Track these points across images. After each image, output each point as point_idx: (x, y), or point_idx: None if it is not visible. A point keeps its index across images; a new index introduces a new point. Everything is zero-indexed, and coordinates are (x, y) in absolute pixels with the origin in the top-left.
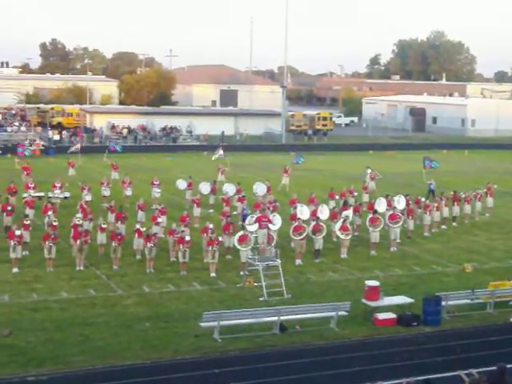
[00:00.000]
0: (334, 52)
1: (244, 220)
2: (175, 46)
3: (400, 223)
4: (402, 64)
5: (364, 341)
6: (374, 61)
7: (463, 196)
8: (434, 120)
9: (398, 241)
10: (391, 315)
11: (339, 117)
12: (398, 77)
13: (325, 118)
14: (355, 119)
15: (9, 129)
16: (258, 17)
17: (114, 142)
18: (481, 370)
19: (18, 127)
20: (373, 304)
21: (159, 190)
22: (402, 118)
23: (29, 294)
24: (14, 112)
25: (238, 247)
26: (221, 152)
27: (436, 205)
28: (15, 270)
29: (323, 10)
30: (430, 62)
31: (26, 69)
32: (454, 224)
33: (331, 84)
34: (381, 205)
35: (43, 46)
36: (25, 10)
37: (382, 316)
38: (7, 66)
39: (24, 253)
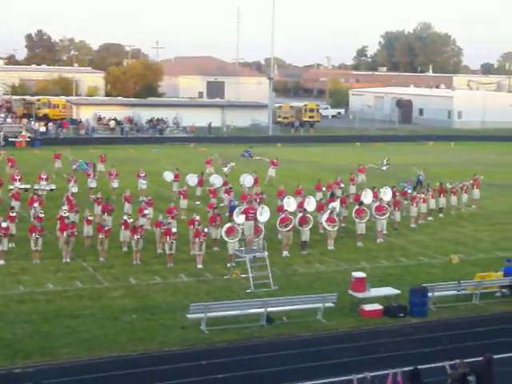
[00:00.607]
0: (320, 44)
1: (231, 212)
2: (162, 37)
3: (386, 215)
4: (389, 56)
5: (351, 332)
6: (361, 52)
7: (450, 187)
8: (421, 112)
9: (385, 232)
10: (378, 306)
11: (326, 108)
12: (384, 68)
13: (312, 110)
14: (342, 111)
15: None
16: (245, 8)
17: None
18: (467, 360)
19: (3, 119)
20: (359, 295)
21: (145, 182)
22: (389, 110)
23: (15, 286)
24: None
25: (226, 239)
26: (232, 164)
27: (423, 196)
28: (1, 262)
29: (310, 2)
30: (417, 53)
31: (11, 60)
32: (441, 215)
33: (318, 76)
34: (367, 196)
35: (29, 37)
36: (10, 0)
37: (368, 307)
38: None
39: (10, 245)
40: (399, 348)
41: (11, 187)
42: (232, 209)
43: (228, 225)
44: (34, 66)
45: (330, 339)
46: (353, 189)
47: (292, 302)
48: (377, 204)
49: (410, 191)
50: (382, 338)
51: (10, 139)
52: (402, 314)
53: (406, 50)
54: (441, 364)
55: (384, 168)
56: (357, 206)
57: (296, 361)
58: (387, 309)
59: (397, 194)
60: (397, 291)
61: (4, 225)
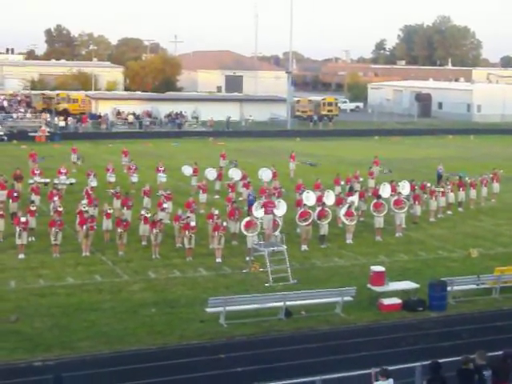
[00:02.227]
0: (339, 37)
1: (250, 206)
2: (180, 31)
3: (405, 209)
4: (408, 49)
5: (369, 326)
6: (380, 46)
7: (469, 181)
8: (440, 105)
9: (404, 226)
10: (397, 300)
11: (345, 102)
12: (403, 62)
13: (330, 104)
14: (361, 105)
15: (14, 115)
16: (264, 2)
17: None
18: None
19: (23, 114)
20: (378, 289)
21: (164, 176)
22: (408, 104)
23: (35, 279)
24: (19, 98)
25: (245, 233)
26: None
27: (442, 190)
28: (21, 256)
29: None
30: (436, 47)
31: (31, 55)
32: (460, 209)
33: (337, 69)
34: (385, 190)
35: (48, 32)
36: None
37: (387, 301)
38: (12, 53)
39: (30, 239)
40: (418, 342)
41: (31, 181)
42: (251, 203)
43: (247, 219)
44: (53, 60)
45: (349, 333)
46: (371, 183)
47: (311, 296)
48: (395, 198)
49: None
50: (400, 332)
51: (29, 134)
52: (420, 308)
53: (425, 44)
54: (460, 358)
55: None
56: (375, 200)
57: (315, 354)
58: (406, 303)
59: (416, 187)
60: (416, 285)
61: (24, 219)
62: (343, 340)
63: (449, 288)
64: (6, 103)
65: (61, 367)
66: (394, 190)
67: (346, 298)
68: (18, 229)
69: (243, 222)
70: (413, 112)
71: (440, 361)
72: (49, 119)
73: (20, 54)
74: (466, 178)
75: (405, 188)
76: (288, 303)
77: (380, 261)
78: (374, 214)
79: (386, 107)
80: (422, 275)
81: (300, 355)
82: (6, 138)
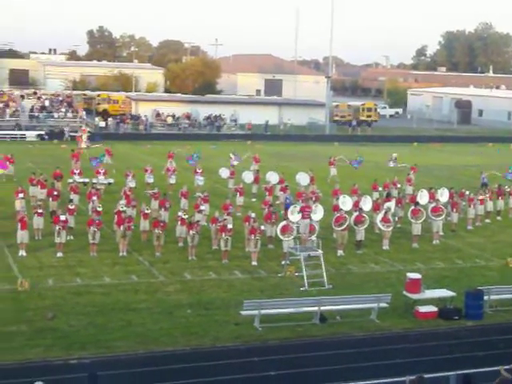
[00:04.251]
0: (379, 43)
1: (287, 210)
2: (221, 34)
3: (442, 216)
4: (449, 56)
5: (404, 333)
6: (421, 52)
7: (508, 190)
8: (480, 113)
9: (441, 234)
10: (432, 308)
11: (384, 108)
12: (444, 68)
13: (369, 109)
14: (400, 110)
15: (55, 115)
16: (304, 6)
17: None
18: None
19: (64, 113)
20: (414, 296)
21: (202, 178)
22: (448, 111)
23: (72, 278)
24: (60, 98)
25: (281, 237)
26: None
27: (481, 198)
28: (59, 254)
29: (370, 0)
30: (477, 53)
31: (73, 56)
32: (498, 218)
33: (376, 75)
34: (423, 197)
35: (90, 33)
36: None
37: (423, 309)
38: (55, 53)
39: (68, 237)
40: (453, 351)
41: (70, 180)
42: (288, 207)
43: (283, 223)
44: (94, 61)
45: (384, 340)
46: (409, 189)
47: (346, 302)
48: (433, 205)
49: None
50: (436, 340)
51: (70, 134)
52: (456, 317)
53: (466, 50)
54: (496, 368)
55: (391, 164)
56: (413, 207)
57: (349, 360)
58: (442, 311)
59: (454, 195)
60: (452, 293)
61: (63, 217)
62: (377, 346)
63: (485, 297)
64: (47, 103)
65: (96, 365)
66: (432, 197)
67: (381, 305)
68: (57, 227)
69: (279, 226)
70: (452, 119)
71: (475, 371)
72: (84, 117)
73: (62, 54)
74: (506, 187)
75: (443, 195)
76: (323, 308)
77: (416, 268)
78: (412, 220)
79: (425, 114)
80: (458, 283)
81: (334, 361)
82: (47, 137)
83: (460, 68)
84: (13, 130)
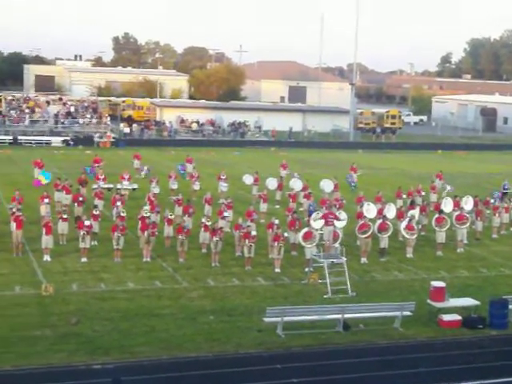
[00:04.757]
0: (404, 50)
1: (310, 216)
2: (245, 41)
3: (467, 224)
4: (474, 63)
5: (428, 342)
6: (446, 59)
7: None
8: (506, 120)
9: (465, 242)
10: (456, 317)
11: (408, 115)
12: (469, 76)
13: (394, 116)
14: (424, 118)
15: (81, 121)
16: (329, 13)
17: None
18: None
19: (89, 119)
20: (438, 305)
21: (226, 185)
22: (473, 118)
23: (96, 283)
24: (86, 104)
25: (303, 244)
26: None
27: (505, 206)
28: (84, 259)
29: (394, 8)
30: (503, 61)
31: (98, 62)
32: None
33: (401, 82)
34: (447, 205)
35: (116, 39)
36: (98, 3)
37: (447, 317)
38: (80, 60)
39: (93, 243)
40: (477, 360)
41: (94, 186)
42: (311, 213)
43: (305, 230)
44: (119, 68)
45: (407, 348)
46: (433, 197)
47: (370, 309)
48: (457, 213)
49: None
50: (460, 349)
51: (95, 139)
52: (481, 326)
53: (491, 58)
54: None
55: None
56: (437, 215)
57: (372, 369)
58: (466, 320)
59: (479, 203)
60: (476, 302)
61: (87, 223)
62: (401, 355)
63: (510, 306)
64: (73, 109)
65: (119, 371)
66: (456, 205)
67: (405, 313)
68: (81, 232)
69: (301, 233)
70: (477, 127)
71: (499, 380)
72: (108, 123)
73: (88, 60)
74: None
75: (468, 203)
76: (346, 316)
77: (440, 276)
78: (436, 228)
79: (450, 121)
80: (483, 292)
81: (357, 369)
82: (72, 143)
83: (485, 75)
84: (42, 135)
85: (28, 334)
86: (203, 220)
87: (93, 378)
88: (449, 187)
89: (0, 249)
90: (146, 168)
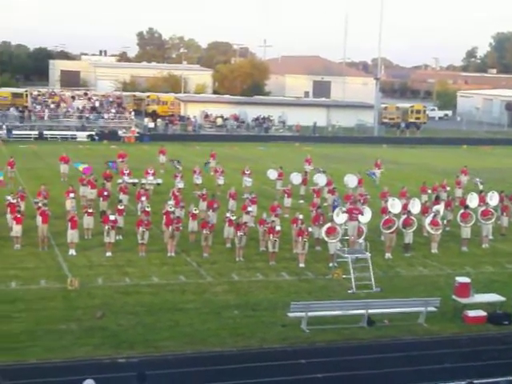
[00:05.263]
0: (429, 44)
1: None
2: (269, 36)
3: (492, 220)
4: (500, 57)
5: (453, 338)
6: (471, 54)
7: None
8: None
9: (491, 237)
10: (482, 313)
11: (433, 110)
12: (494, 70)
13: (418, 111)
14: (449, 113)
15: (105, 116)
16: (353, 8)
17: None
18: None
19: (114, 114)
20: (463, 301)
21: (250, 180)
22: (498, 113)
23: (121, 277)
24: (110, 99)
25: (326, 239)
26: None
27: None
28: (109, 253)
29: (419, 2)
30: None
31: (123, 57)
32: None
33: (425, 77)
34: (473, 200)
35: (140, 35)
36: None
37: (472, 313)
38: (105, 55)
39: (118, 237)
40: (503, 356)
41: (119, 181)
42: (335, 209)
43: (328, 225)
44: (144, 63)
45: (432, 344)
46: (459, 192)
47: (394, 305)
48: (483, 208)
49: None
50: (485, 345)
51: (120, 134)
52: (506, 322)
53: None
54: None
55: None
56: (462, 210)
57: (396, 364)
58: (491, 316)
59: (504, 198)
60: (502, 298)
61: (112, 217)
62: (426, 351)
63: None
64: (98, 104)
65: (144, 365)
66: (482, 200)
67: (429, 309)
68: (106, 227)
69: (324, 228)
70: (503, 121)
71: None
72: (133, 118)
73: (112, 55)
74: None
75: (493, 199)
76: (370, 311)
77: (465, 272)
78: (461, 224)
79: (475, 116)
80: (508, 288)
81: (381, 364)
82: (97, 137)
83: (511, 70)
84: (67, 130)
85: (53, 328)
86: (227, 215)
87: (117, 372)
88: (477, 179)
89: (26, 243)
90: (176, 161)
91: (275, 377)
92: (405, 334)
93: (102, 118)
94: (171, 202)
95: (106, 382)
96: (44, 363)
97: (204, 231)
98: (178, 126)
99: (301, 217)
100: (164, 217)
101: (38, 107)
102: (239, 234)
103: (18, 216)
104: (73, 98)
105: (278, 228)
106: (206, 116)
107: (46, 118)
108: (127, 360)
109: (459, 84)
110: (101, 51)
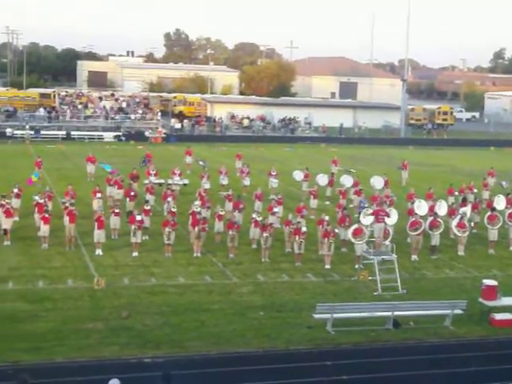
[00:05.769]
0: (456, 45)
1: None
2: (296, 37)
3: None
4: None
5: (480, 341)
6: (499, 55)
7: None
8: None
9: None
10: (509, 316)
11: (460, 111)
12: None
13: (445, 113)
14: (477, 114)
15: (132, 116)
16: (380, 9)
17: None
18: None
19: (141, 115)
20: (490, 304)
21: (276, 181)
22: None
23: (147, 277)
24: (137, 100)
25: (352, 240)
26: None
27: None
28: (135, 254)
29: (446, 3)
30: None
31: (150, 58)
32: None
33: (453, 78)
34: (500, 202)
35: (167, 35)
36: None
37: (499, 316)
38: (132, 56)
39: (144, 238)
40: None
41: (146, 181)
42: (362, 210)
43: (355, 226)
44: (171, 64)
45: (458, 347)
46: (486, 194)
47: (420, 307)
48: (510, 211)
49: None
50: None
51: (146, 135)
52: None
53: None
54: None
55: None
56: (489, 212)
57: (422, 367)
58: None
59: None
60: None
61: (139, 218)
62: (452, 354)
63: None
64: (124, 104)
65: (170, 365)
66: (509, 202)
67: (456, 311)
68: (133, 227)
69: (351, 230)
70: None
71: None
72: (159, 118)
73: (140, 56)
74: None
75: None
76: (396, 313)
77: (492, 274)
78: (488, 226)
79: (503, 118)
80: None
81: (407, 367)
82: (124, 138)
83: None
84: (94, 130)
85: (80, 327)
86: (253, 216)
87: (143, 372)
88: (504, 183)
89: (53, 242)
90: (201, 161)
91: (300, 378)
92: (431, 337)
93: (129, 118)
94: (197, 203)
95: (131, 381)
96: (71, 362)
97: (230, 232)
98: (204, 126)
99: (327, 218)
100: (190, 217)
101: (66, 108)
102: (265, 234)
103: (46, 216)
104: (100, 98)
105: (303, 229)
106: (233, 117)
107: (72, 118)
108: (153, 360)
109: (487, 85)
110: (128, 52)
